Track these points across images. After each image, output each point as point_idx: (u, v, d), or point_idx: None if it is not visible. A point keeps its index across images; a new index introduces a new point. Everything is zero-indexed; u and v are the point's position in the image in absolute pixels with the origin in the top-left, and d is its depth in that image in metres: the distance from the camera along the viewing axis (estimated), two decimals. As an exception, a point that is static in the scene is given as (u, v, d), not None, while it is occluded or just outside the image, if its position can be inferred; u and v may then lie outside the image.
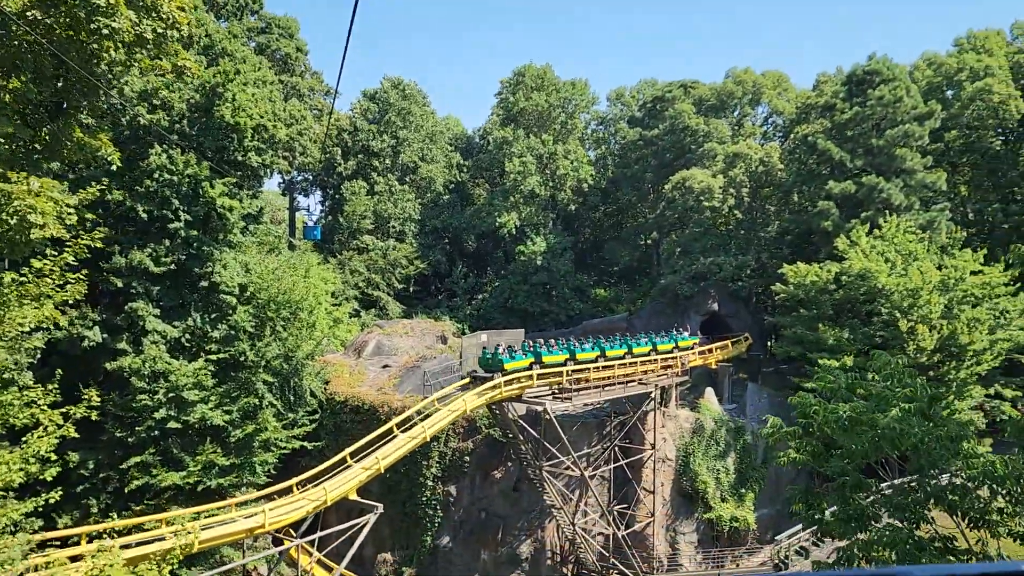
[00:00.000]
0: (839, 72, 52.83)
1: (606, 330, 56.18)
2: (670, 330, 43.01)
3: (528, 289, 60.97)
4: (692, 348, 41.55)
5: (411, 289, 64.80)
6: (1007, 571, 1.46)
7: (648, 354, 38.00)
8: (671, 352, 39.64)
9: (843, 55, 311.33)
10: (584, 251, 70.02)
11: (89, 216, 32.12)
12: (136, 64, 16.99)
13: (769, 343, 53.96)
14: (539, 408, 30.29)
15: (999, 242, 44.92)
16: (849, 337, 37.52)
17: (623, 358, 36.26)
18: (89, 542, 18.99)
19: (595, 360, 34.79)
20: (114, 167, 28.63)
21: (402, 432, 25.44)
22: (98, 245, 17.38)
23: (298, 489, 22.46)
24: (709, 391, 40.21)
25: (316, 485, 22.63)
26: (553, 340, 36.28)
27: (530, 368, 31.68)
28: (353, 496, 22.52)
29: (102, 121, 19.07)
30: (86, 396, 17.34)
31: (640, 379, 35.70)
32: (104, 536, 18.81)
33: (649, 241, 64.75)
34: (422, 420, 26.72)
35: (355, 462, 23.71)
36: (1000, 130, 47.94)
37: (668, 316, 52.44)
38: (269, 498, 22.39)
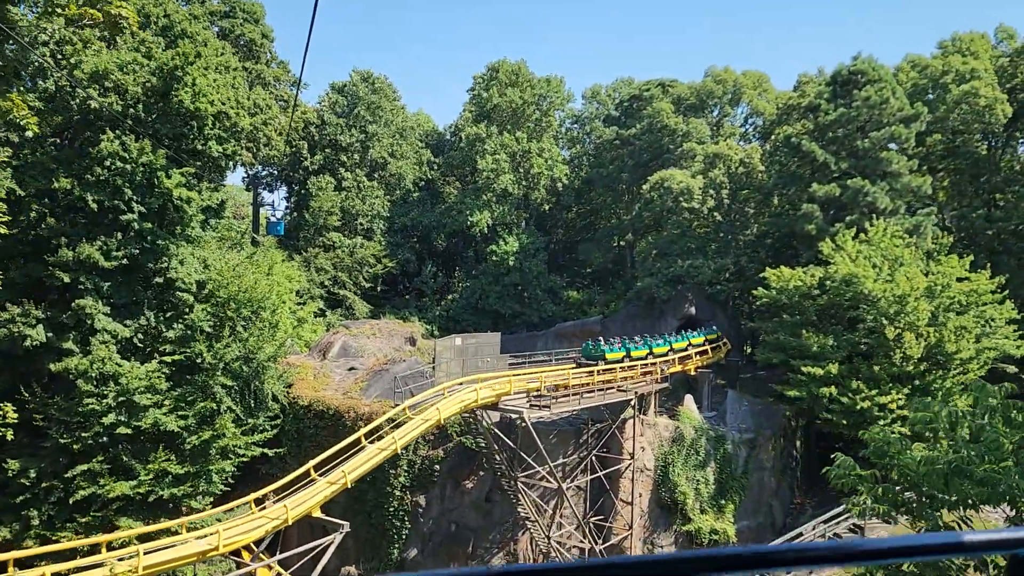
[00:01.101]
0: (821, 73, 52.23)
1: (580, 333, 54.92)
2: (657, 333, 44.56)
3: (500, 290, 59.36)
4: (709, 344, 44.26)
5: (379, 288, 62.77)
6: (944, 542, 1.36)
7: (666, 354, 40.38)
8: (685, 350, 41.98)
9: (822, 58, 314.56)
10: (556, 252, 68.66)
11: (33, 206, 29.93)
12: (60, 10, 14.90)
13: (746, 348, 53.12)
14: (515, 416, 28.72)
15: (982, 248, 44.46)
16: (833, 344, 36.57)
17: (645, 359, 38.72)
18: (17, 567, 16.97)
19: (620, 360, 37.70)
20: (39, 139, 26.48)
21: (371, 443, 23.66)
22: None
23: (256, 506, 20.57)
24: (689, 398, 39.03)
25: (277, 501, 20.76)
26: (615, 338, 41.36)
27: (622, 360, 37.51)
28: (317, 513, 20.72)
29: (17, 80, 16.89)
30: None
31: (619, 386, 34.33)
32: (36, 564, 16.81)
33: (623, 243, 63.58)
34: (392, 429, 25.01)
35: (319, 475, 21.88)
36: (984, 134, 47.53)
37: (644, 319, 51.25)
38: (224, 513, 20.44)
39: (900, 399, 35.67)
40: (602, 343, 39.15)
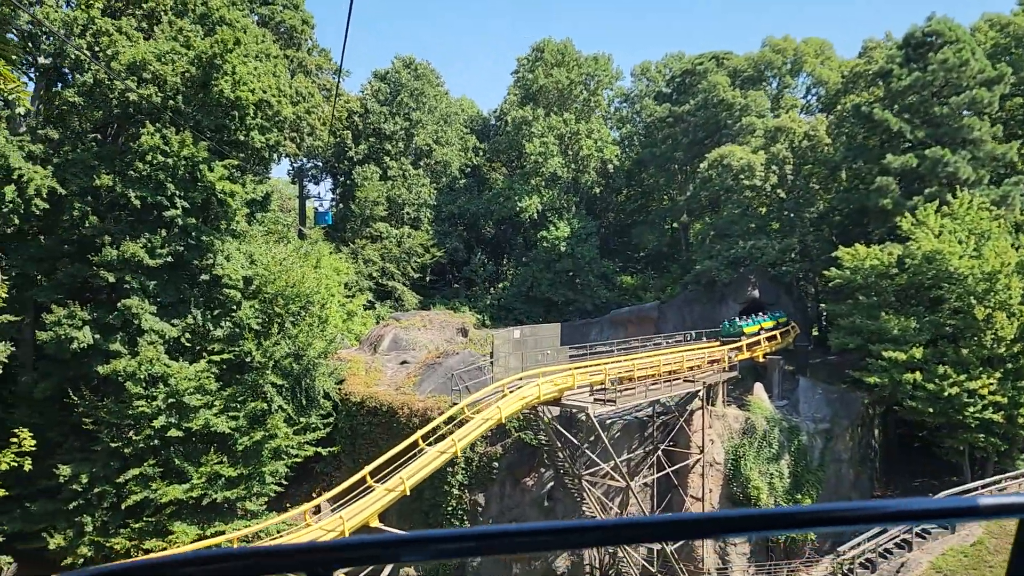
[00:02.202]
0: (889, 37, 48.91)
1: (636, 320, 52.89)
2: (754, 314, 44.79)
3: (551, 277, 57.56)
4: (785, 327, 43.80)
5: (428, 279, 61.51)
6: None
7: (757, 333, 41.35)
8: (773, 330, 42.36)
9: (887, 22, 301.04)
10: (608, 236, 66.41)
11: (76, 204, 29.15)
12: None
13: (813, 332, 50.46)
14: (578, 411, 27.00)
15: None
16: (915, 326, 33.96)
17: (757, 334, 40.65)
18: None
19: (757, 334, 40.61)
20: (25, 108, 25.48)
21: (429, 445, 22.20)
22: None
23: (311, 516, 19.27)
24: (758, 387, 36.78)
25: (333, 510, 19.44)
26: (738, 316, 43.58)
27: (758, 334, 40.49)
28: (375, 523, 19.35)
29: (4, 45, 15.59)
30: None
31: (685, 376, 32.32)
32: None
33: (676, 225, 61.04)
34: (451, 425, 23.52)
35: (376, 482, 20.50)
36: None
37: (703, 304, 48.98)
38: (278, 526, 19.19)
39: (992, 384, 32.99)
40: (738, 320, 42.34)
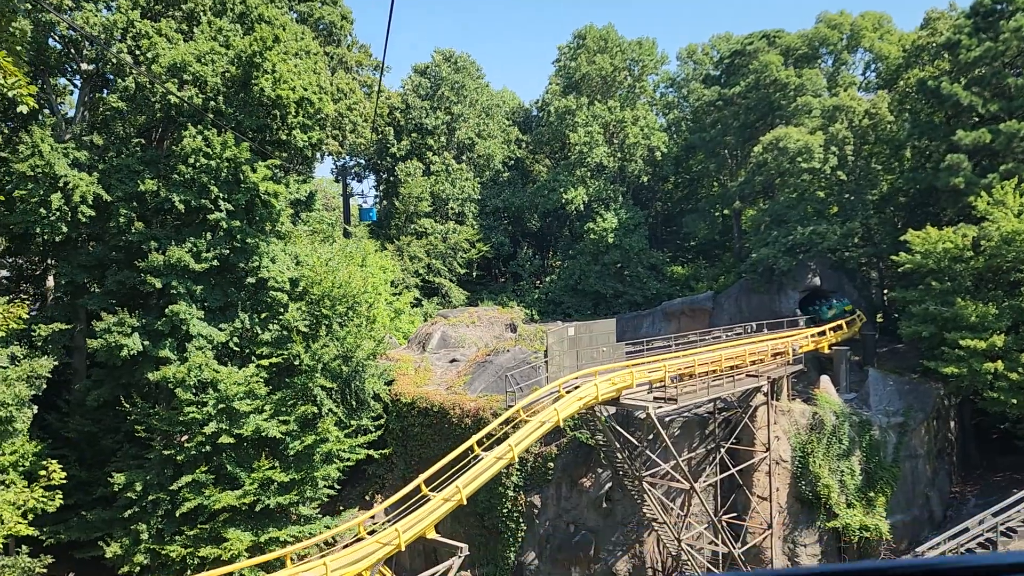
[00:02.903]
0: (953, 7, 46.23)
1: (689, 312, 51.24)
2: (827, 299, 45.24)
3: (599, 269, 56.17)
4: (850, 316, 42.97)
5: (474, 274, 60.67)
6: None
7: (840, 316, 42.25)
8: (833, 319, 41.80)
9: None
10: (655, 225, 64.67)
11: (122, 211, 28.90)
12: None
13: (878, 320, 48.22)
14: (639, 411, 25.76)
15: None
16: (995, 312, 31.86)
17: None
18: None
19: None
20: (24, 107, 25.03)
21: (484, 450, 21.23)
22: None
23: (363, 528, 18.46)
24: (825, 379, 35.01)
25: (387, 521, 18.62)
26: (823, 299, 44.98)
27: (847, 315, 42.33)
28: (431, 534, 18.48)
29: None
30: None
31: (748, 371, 30.81)
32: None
33: (727, 212, 58.98)
34: (507, 428, 22.54)
35: (431, 490, 19.61)
36: None
37: (760, 293, 47.13)
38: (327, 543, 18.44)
39: (1081, 372, 30.79)
40: (834, 301, 44.08)
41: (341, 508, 33.91)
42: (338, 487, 32.31)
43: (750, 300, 48.33)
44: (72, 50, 31.09)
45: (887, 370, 37.52)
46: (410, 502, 19.12)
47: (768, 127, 50.57)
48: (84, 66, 31.08)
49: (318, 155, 40.60)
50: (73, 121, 30.89)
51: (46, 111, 32.14)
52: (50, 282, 33.72)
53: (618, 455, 27.62)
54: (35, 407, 27.29)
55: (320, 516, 31.12)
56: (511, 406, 24.18)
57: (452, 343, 43.82)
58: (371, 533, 18.61)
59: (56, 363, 27.68)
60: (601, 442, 28.06)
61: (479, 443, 21.30)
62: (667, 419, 30.04)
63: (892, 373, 37.08)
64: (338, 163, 65.95)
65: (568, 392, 24.34)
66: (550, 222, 66.72)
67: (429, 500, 19.07)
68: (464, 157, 62.50)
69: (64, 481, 26.86)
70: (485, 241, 58.90)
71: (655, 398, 26.39)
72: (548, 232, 68.47)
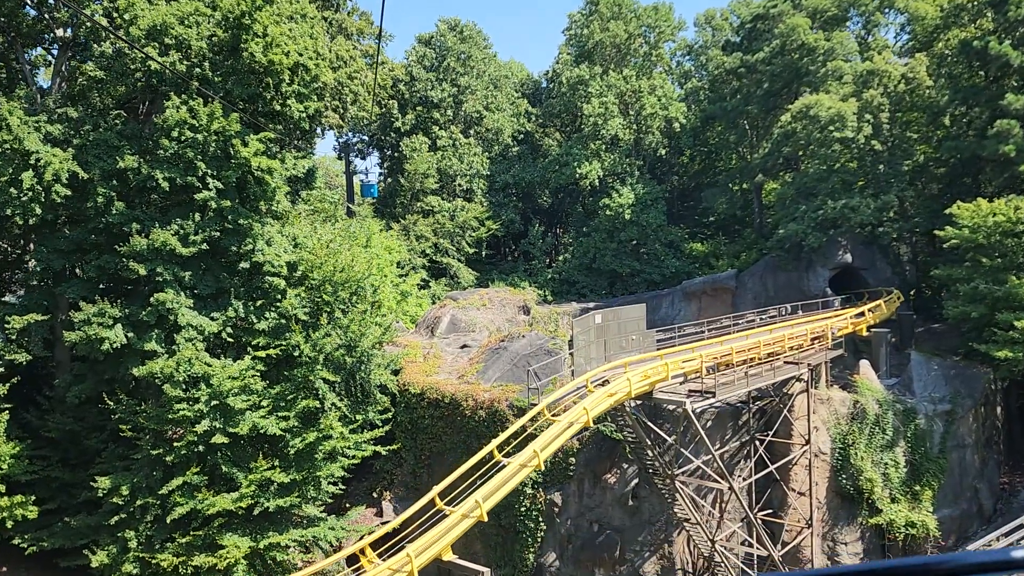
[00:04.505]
0: (997, -38, 43.03)
1: (711, 291, 48.71)
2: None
3: (615, 247, 53.59)
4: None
5: (483, 253, 58.10)
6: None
7: None
8: None
9: None
10: (671, 200, 61.86)
11: (100, 190, 26.39)
12: None
13: (911, 298, 45.56)
14: (674, 407, 23.33)
15: None
16: (1053, 291, 29.29)
17: None
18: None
19: None
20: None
21: (505, 456, 18.83)
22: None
23: (366, 557, 16.05)
24: (865, 364, 32.51)
25: (399, 544, 16.23)
26: None
27: None
28: (448, 556, 16.15)
29: None
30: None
31: (786, 358, 28.31)
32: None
33: (745, 186, 56.10)
34: (531, 423, 20.15)
35: (447, 504, 17.25)
36: None
37: (788, 271, 44.53)
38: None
39: None
40: None
41: (347, 505, 31.71)
42: (344, 486, 30.10)
43: (776, 278, 45.78)
44: (46, 15, 28.45)
45: (929, 353, 34.98)
46: (424, 519, 16.75)
47: (793, 96, 47.66)
48: (59, 32, 28.47)
49: (317, 129, 37.95)
50: (49, 93, 28.32)
51: (22, 83, 29.63)
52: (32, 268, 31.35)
53: (648, 452, 25.25)
54: (8, 404, 25.15)
55: (325, 517, 28.92)
56: (533, 405, 21.74)
57: (462, 327, 41.48)
58: (380, 554, 16.26)
59: (30, 357, 25.39)
60: (629, 438, 25.70)
61: (498, 448, 18.89)
62: (699, 411, 27.65)
63: (934, 356, 34.55)
64: (340, 140, 63.42)
65: (595, 385, 21.90)
66: (562, 198, 64.07)
67: (445, 517, 16.69)
68: (472, 131, 59.74)
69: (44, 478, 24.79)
70: (494, 219, 56.35)
71: (690, 391, 23.97)
72: (560, 208, 65.87)
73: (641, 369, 22.77)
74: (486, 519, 16.86)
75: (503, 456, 18.52)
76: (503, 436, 19.04)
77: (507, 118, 60.73)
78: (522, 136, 62.85)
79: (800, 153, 46.89)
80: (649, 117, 54.87)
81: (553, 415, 20.35)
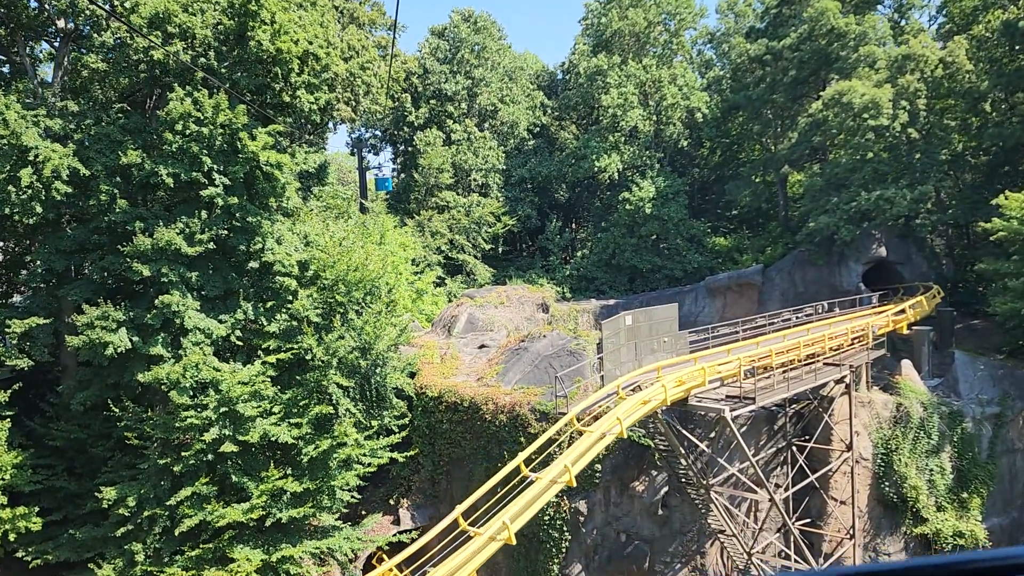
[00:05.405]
0: (1040, -61, 41.05)
1: (737, 287, 47.03)
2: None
3: (635, 242, 51.99)
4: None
5: (500, 250, 56.65)
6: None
7: None
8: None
9: None
10: (692, 193, 60.11)
11: (102, 187, 25.16)
12: None
13: (948, 293, 43.67)
14: (713, 415, 21.81)
15: None
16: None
17: None
18: None
19: None
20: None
21: (532, 471, 17.40)
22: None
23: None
24: (907, 364, 30.85)
25: (418, 570, 14.87)
26: None
27: None
28: (474, 584, 14.77)
29: None
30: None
31: (826, 359, 26.68)
32: None
33: (769, 178, 54.27)
34: (554, 435, 18.73)
35: (471, 525, 15.86)
36: None
37: (819, 266, 42.81)
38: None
39: None
40: None
41: (363, 513, 30.47)
42: (359, 495, 28.80)
43: (805, 273, 44.06)
44: (47, 5, 27.22)
45: (972, 352, 33.24)
46: (446, 541, 15.37)
47: (821, 83, 45.84)
48: (60, 23, 27.24)
49: (329, 122, 36.63)
50: (49, 86, 27.11)
51: (24, 78, 28.44)
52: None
53: (681, 460, 23.77)
54: (11, 411, 24.02)
55: (340, 526, 27.65)
56: (559, 411, 20.29)
57: (480, 326, 40.08)
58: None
59: (33, 362, 24.24)
60: (661, 445, 24.22)
61: (525, 462, 17.46)
62: (735, 416, 26.12)
63: (979, 355, 32.80)
64: (353, 135, 62.16)
65: (627, 392, 20.41)
66: (579, 192, 62.50)
67: (469, 540, 15.30)
68: (487, 124, 58.25)
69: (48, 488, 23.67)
70: (511, 214, 54.89)
71: (727, 396, 22.45)
72: (577, 203, 64.31)
73: (675, 374, 21.26)
74: (514, 542, 15.45)
75: (529, 469, 17.08)
76: (529, 450, 17.59)
77: (522, 111, 59.20)
78: (538, 129, 61.32)
79: (829, 143, 45.11)
80: (670, 108, 53.18)
81: (583, 425, 18.89)
